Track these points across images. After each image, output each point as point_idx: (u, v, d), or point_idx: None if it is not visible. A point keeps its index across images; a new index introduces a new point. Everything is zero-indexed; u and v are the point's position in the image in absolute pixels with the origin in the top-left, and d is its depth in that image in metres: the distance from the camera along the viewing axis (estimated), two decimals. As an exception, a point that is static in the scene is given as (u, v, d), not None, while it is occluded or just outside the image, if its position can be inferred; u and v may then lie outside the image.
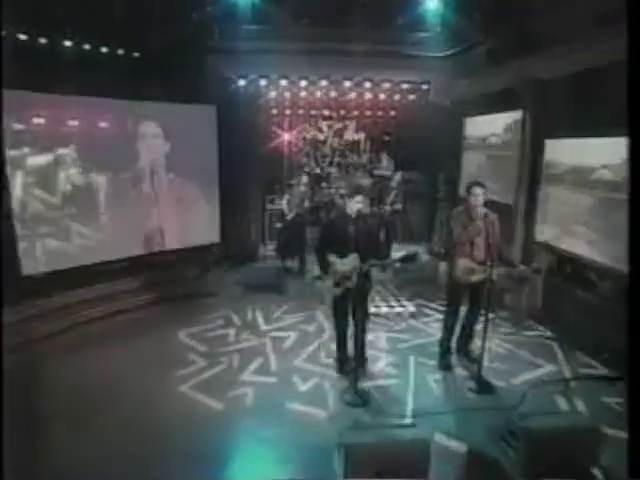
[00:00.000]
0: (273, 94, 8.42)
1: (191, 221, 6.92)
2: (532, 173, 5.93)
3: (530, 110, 5.81)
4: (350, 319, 4.20)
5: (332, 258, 4.05)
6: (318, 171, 9.72)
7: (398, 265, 4.09)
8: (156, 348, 4.88)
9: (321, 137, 10.00)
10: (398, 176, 7.90)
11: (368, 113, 9.64)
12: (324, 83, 7.63)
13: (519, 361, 4.59)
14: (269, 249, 8.50)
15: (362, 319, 4.14)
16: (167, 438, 3.44)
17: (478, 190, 4.12)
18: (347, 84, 7.59)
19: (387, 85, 7.71)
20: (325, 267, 4.07)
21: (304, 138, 9.84)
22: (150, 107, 6.27)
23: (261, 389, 4.09)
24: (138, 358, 4.62)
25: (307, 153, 9.79)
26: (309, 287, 6.18)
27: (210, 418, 3.70)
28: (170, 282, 6.51)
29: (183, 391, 4.09)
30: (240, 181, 7.70)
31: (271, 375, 4.34)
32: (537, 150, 5.82)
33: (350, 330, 4.21)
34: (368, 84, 7.62)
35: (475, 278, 4.20)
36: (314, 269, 4.19)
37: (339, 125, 9.96)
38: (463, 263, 4.20)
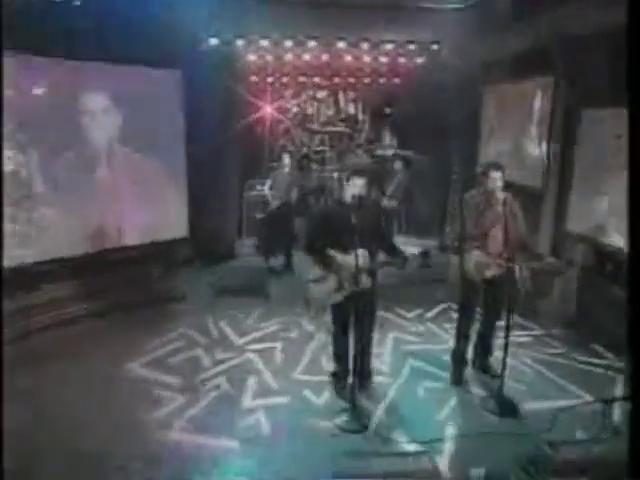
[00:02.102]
0: (252, 57, 8.12)
1: (153, 211, 6.64)
2: (565, 151, 5.79)
3: (565, 74, 5.64)
4: (352, 328, 4.05)
5: (334, 253, 3.85)
6: (306, 150, 9.51)
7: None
8: (112, 378, 4.46)
9: (310, 110, 9.77)
10: (399, 165, 7.64)
11: (367, 81, 9.40)
12: (313, 44, 7.33)
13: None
14: (248, 245, 8.30)
15: (369, 328, 4.07)
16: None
17: (495, 174, 4.03)
18: (341, 45, 7.28)
19: (390, 46, 7.42)
20: (327, 264, 3.86)
21: (290, 111, 9.59)
22: (100, 71, 5.93)
23: (274, 411, 3.98)
24: (91, 395, 4.16)
25: (289, 129, 9.52)
26: (298, 289, 6.12)
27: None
28: (127, 285, 6.24)
29: (174, 438, 3.66)
30: (212, 163, 7.42)
31: (277, 394, 4.22)
32: (572, 123, 5.65)
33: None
34: (366, 45, 7.33)
35: (490, 274, 4.11)
36: (309, 271, 3.97)
37: (332, 95, 9.71)
38: (475, 256, 4.09)
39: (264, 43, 7.19)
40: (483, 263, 4.08)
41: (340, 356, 4.22)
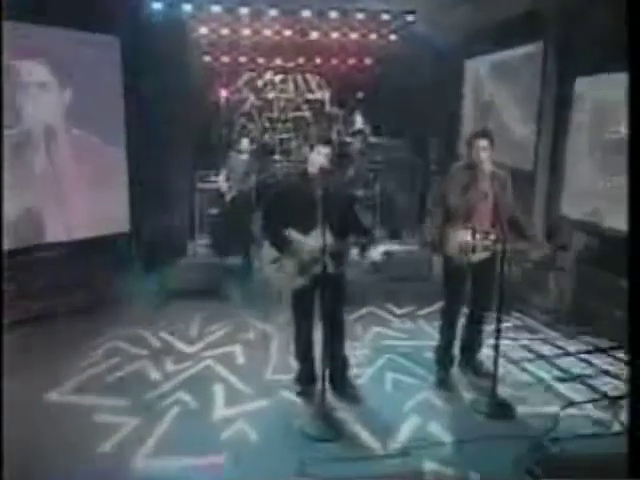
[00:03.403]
0: (204, 31, 7.93)
1: (88, 202, 6.30)
2: (557, 125, 5.79)
3: (555, 39, 5.65)
4: (315, 319, 3.95)
5: (292, 234, 3.74)
6: (267, 139, 9.35)
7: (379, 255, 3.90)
8: (39, 406, 4.00)
9: (271, 94, 9.64)
10: (357, 143, 7.54)
11: (335, 61, 9.34)
12: (274, 13, 7.18)
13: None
14: (201, 244, 8.05)
15: (338, 319, 3.91)
16: None
17: (483, 142, 3.94)
18: (306, 13, 7.16)
19: (360, 16, 7.35)
20: (283, 245, 3.74)
21: (248, 96, 9.42)
22: (24, 33, 5.58)
23: (258, 415, 3.85)
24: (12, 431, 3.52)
25: (249, 114, 9.33)
26: (258, 290, 6.02)
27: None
28: (57, 288, 5.87)
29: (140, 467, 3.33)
30: (158, 150, 7.16)
31: (253, 399, 4.08)
32: (564, 94, 5.65)
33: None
34: (335, 14, 7.24)
35: (476, 257, 4.01)
36: (266, 252, 3.83)
37: (295, 78, 9.59)
38: (458, 236, 3.98)
39: (216, 10, 6.99)
40: (469, 244, 3.97)
41: (303, 356, 4.07)
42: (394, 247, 7.17)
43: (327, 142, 3.83)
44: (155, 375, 4.47)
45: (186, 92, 7.70)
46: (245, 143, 7.39)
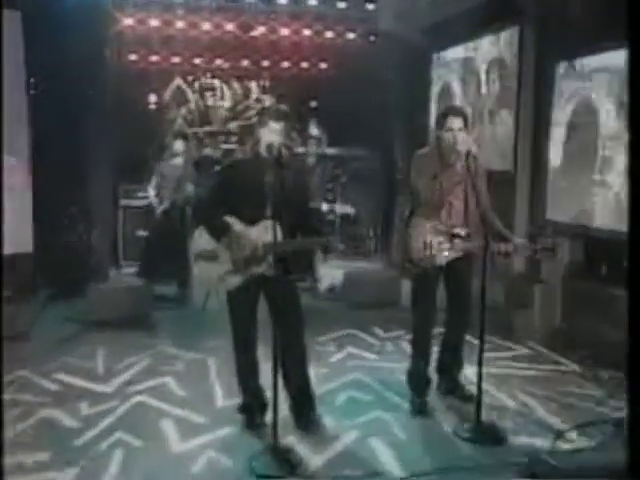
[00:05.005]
0: (129, 22, 7.73)
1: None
2: (538, 119, 5.82)
3: (534, 20, 5.69)
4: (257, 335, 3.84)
5: (233, 222, 3.63)
6: (208, 152, 9.36)
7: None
8: None
9: (210, 102, 9.73)
10: (312, 147, 7.53)
11: (286, 65, 9.31)
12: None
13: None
14: (126, 272, 7.83)
15: (295, 332, 3.76)
16: None
17: (455, 121, 3.84)
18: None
19: (313, 2, 7.36)
20: (220, 233, 3.63)
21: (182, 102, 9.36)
22: None
23: (224, 444, 3.74)
24: None
25: (185, 120, 9.50)
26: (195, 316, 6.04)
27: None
28: None
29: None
30: (72, 157, 7.02)
31: (210, 428, 3.95)
32: (544, 82, 5.68)
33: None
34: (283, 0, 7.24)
35: (445, 257, 3.87)
36: (198, 241, 3.70)
37: (235, 84, 9.70)
38: (423, 230, 3.86)
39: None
40: (437, 241, 3.84)
41: (246, 379, 3.88)
42: (355, 267, 7.04)
43: (280, 118, 3.67)
44: (71, 422, 4.08)
45: (108, 93, 7.54)
46: (179, 145, 7.13)
